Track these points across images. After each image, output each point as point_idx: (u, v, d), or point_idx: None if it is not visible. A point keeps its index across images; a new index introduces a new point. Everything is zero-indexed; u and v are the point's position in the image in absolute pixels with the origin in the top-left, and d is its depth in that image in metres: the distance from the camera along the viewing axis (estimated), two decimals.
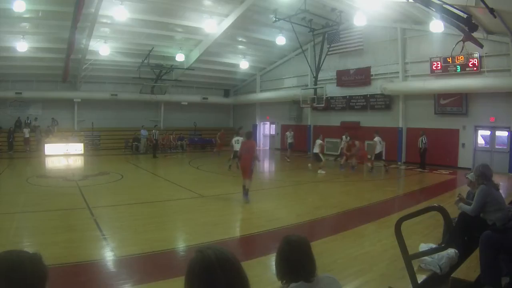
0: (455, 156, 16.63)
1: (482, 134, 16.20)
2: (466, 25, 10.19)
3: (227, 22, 18.18)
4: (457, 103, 16.38)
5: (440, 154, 16.72)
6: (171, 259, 5.48)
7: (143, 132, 22.45)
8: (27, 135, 21.34)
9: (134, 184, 12.24)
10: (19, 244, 5.79)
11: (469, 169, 11.75)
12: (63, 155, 20.08)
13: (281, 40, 19.92)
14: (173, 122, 27.07)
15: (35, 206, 8.45)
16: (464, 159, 16.19)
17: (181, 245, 6.37)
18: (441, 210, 3.74)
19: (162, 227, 7.15)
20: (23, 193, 9.91)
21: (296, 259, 1.95)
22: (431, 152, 16.27)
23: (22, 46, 17.14)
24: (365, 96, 20.01)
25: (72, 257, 5.22)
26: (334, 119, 21.49)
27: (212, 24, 17.86)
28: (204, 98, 27.31)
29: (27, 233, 6.56)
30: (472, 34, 10.93)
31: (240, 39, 21.55)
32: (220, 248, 1.37)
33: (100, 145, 24.17)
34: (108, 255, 5.61)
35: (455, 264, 4.50)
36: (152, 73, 22.89)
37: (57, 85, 22.79)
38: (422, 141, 15.95)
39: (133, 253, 5.50)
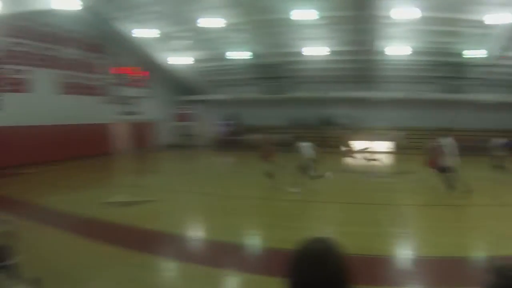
0: None
1: None
2: None
3: None
4: None
5: None
6: (467, 268, 5.27)
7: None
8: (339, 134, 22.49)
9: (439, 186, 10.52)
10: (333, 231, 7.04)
11: None
12: (367, 152, 19.05)
13: None
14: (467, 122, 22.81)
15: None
16: None
17: (479, 255, 5.95)
18: None
19: (463, 233, 6.78)
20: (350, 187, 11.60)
21: None
22: None
23: (322, 50, 20.16)
24: None
25: (370, 250, 5.79)
26: None
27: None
28: None
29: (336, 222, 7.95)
30: None
31: None
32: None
33: (407, 144, 22.71)
34: (405, 253, 6.00)
35: None
36: (446, 71, 21.07)
37: (355, 86, 23.79)
38: None
39: (429, 255, 5.63)
